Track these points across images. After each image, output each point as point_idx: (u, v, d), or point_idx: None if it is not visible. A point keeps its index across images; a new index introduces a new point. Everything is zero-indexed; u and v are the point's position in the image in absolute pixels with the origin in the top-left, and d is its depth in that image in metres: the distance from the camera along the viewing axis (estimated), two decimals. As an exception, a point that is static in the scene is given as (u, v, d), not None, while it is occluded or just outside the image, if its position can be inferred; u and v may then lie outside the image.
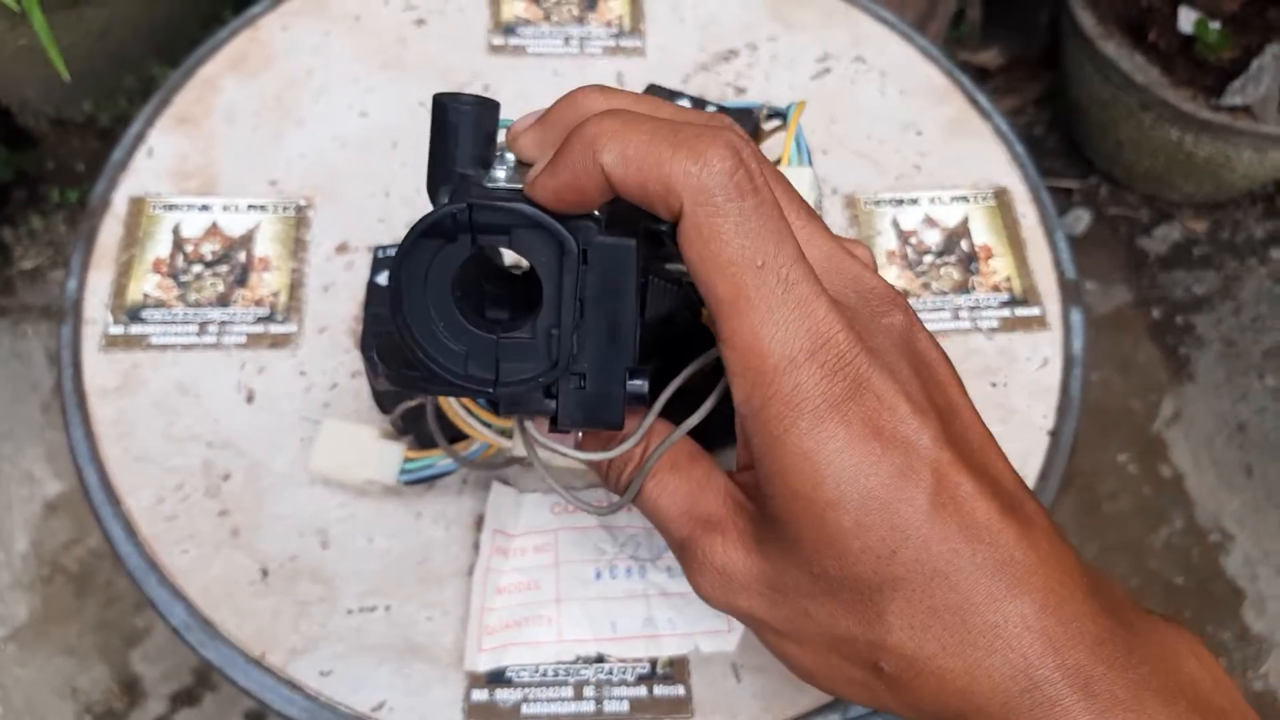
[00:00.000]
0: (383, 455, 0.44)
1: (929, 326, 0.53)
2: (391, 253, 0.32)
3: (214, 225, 0.55)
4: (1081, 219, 1.48)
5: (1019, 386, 0.51)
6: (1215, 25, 1.29)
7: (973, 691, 0.25)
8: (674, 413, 0.30)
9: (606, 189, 0.25)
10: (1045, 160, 1.53)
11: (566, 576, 0.44)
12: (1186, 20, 1.31)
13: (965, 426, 0.28)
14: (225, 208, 0.55)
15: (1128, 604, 0.27)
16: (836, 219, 0.57)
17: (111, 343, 0.51)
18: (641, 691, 0.42)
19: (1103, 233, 1.48)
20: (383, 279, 0.40)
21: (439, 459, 0.44)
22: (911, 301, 0.54)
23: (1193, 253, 1.47)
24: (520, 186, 0.26)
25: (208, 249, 0.54)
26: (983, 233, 0.56)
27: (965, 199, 0.57)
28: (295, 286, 0.53)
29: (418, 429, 0.44)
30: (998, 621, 0.25)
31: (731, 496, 0.29)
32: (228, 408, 0.49)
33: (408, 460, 0.44)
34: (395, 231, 0.55)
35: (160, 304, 0.52)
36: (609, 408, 0.27)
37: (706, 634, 0.43)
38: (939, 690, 0.26)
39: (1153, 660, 0.25)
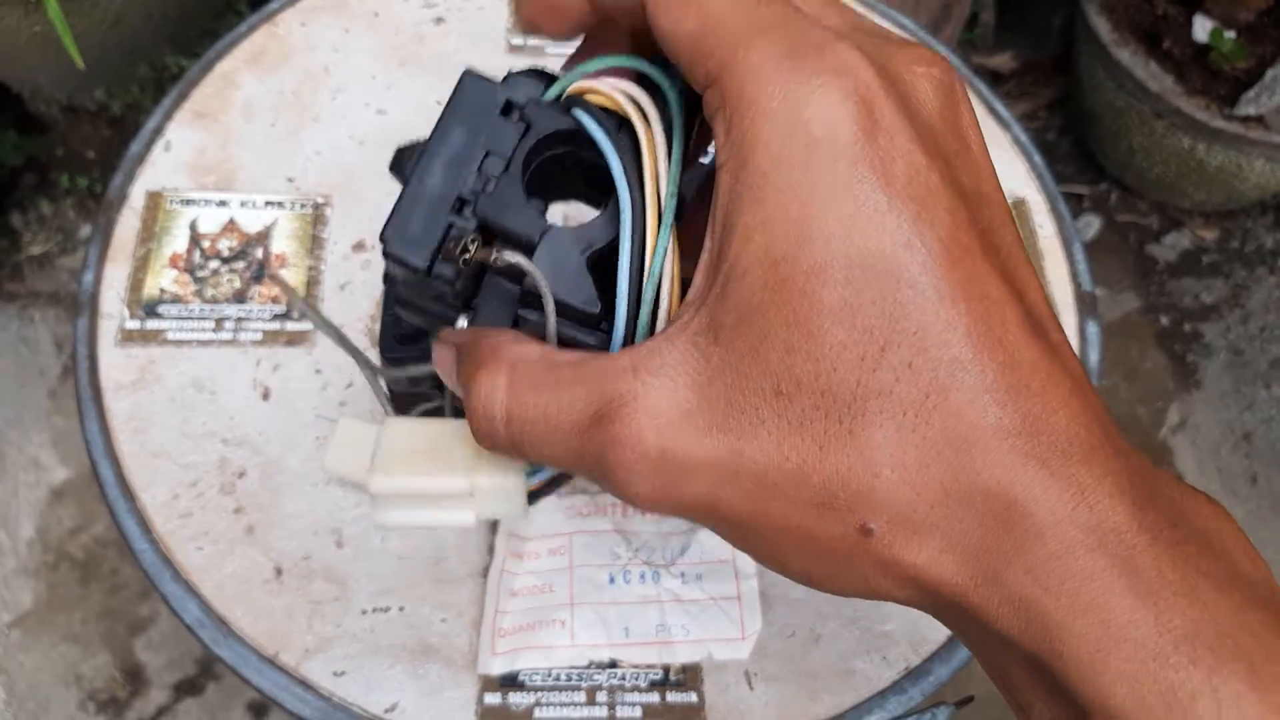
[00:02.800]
0: None
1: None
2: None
3: (231, 221, 0.54)
4: (1091, 225, 1.48)
5: (1034, 398, 0.51)
6: (1230, 34, 1.29)
7: (978, 553, 0.20)
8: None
9: None
10: (1056, 165, 1.53)
11: (580, 580, 0.44)
12: (1202, 29, 1.31)
13: (993, 223, 0.21)
14: (243, 204, 0.55)
15: (1162, 476, 0.21)
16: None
17: (128, 337, 0.51)
18: (654, 698, 0.42)
19: (1112, 239, 1.48)
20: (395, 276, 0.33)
21: None
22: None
23: (1202, 261, 1.46)
24: None
25: (225, 245, 0.54)
26: (1000, 243, 0.56)
27: (983, 208, 0.57)
28: (312, 284, 0.53)
29: None
30: (1008, 477, 0.19)
31: (624, 364, 0.22)
32: (243, 405, 0.49)
33: None
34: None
35: (177, 299, 0.52)
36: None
37: (720, 641, 0.43)
38: (940, 559, 0.20)
39: (1199, 538, 0.20)
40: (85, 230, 1.40)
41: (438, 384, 0.30)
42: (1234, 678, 0.18)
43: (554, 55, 0.62)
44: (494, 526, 0.46)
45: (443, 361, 0.25)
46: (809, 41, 0.20)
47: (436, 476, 0.25)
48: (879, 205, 0.19)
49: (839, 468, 0.20)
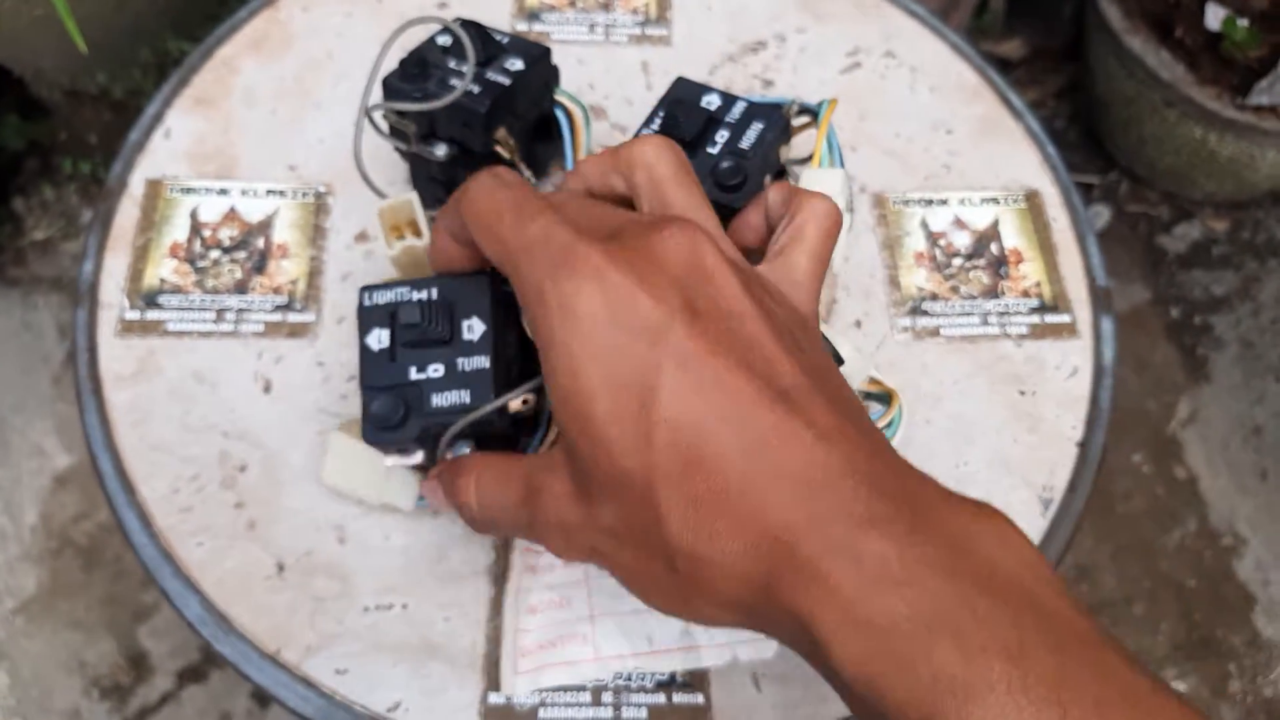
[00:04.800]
0: (397, 480, 0.43)
1: (957, 331, 0.52)
2: (379, 298, 0.39)
3: (232, 210, 0.54)
4: (1101, 215, 1.47)
5: (1047, 395, 0.51)
6: (1243, 23, 1.28)
7: (751, 576, 0.26)
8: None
9: (453, 243, 0.37)
10: (1066, 155, 1.51)
11: (598, 591, 0.43)
12: (1214, 17, 1.29)
13: (734, 327, 0.29)
14: (244, 192, 0.54)
15: (930, 495, 0.27)
16: (864, 218, 0.56)
17: (127, 328, 0.50)
18: (660, 699, 0.42)
19: (1122, 230, 1.47)
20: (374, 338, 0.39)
21: None
22: (939, 305, 0.53)
23: (1212, 252, 1.45)
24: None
25: (226, 234, 0.53)
26: (1013, 236, 0.55)
27: (995, 201, 0.56)
28: (314, 274, 0.52)
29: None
30: (758, 504, 0.26)
31: (540, 463, 0.32)
32: (245, 397, 0.48)
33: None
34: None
35: (177, 289, 0.51)
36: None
37: (744, 642, 0.42)
38: (725, 579, 0.26)
39: (939, 540, 0.25)
40: (88, 215, 1.39)
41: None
42: (925, 627, 0.23)
43: (558, 41, 0.61)
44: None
45: (433, 492, 0.38)
46: (561, 247, 0.29)
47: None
48: (620, 345, 0.27)
49: (646, 527, 0.27)
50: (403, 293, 0.38)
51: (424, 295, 0.37)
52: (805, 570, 0.25)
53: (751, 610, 0.27)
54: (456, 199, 0.34)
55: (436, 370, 0.36)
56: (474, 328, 0.37)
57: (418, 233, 0.45)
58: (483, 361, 0.36)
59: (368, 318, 0.38)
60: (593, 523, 0.29)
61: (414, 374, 0.37)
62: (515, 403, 0.36)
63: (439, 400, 0.36)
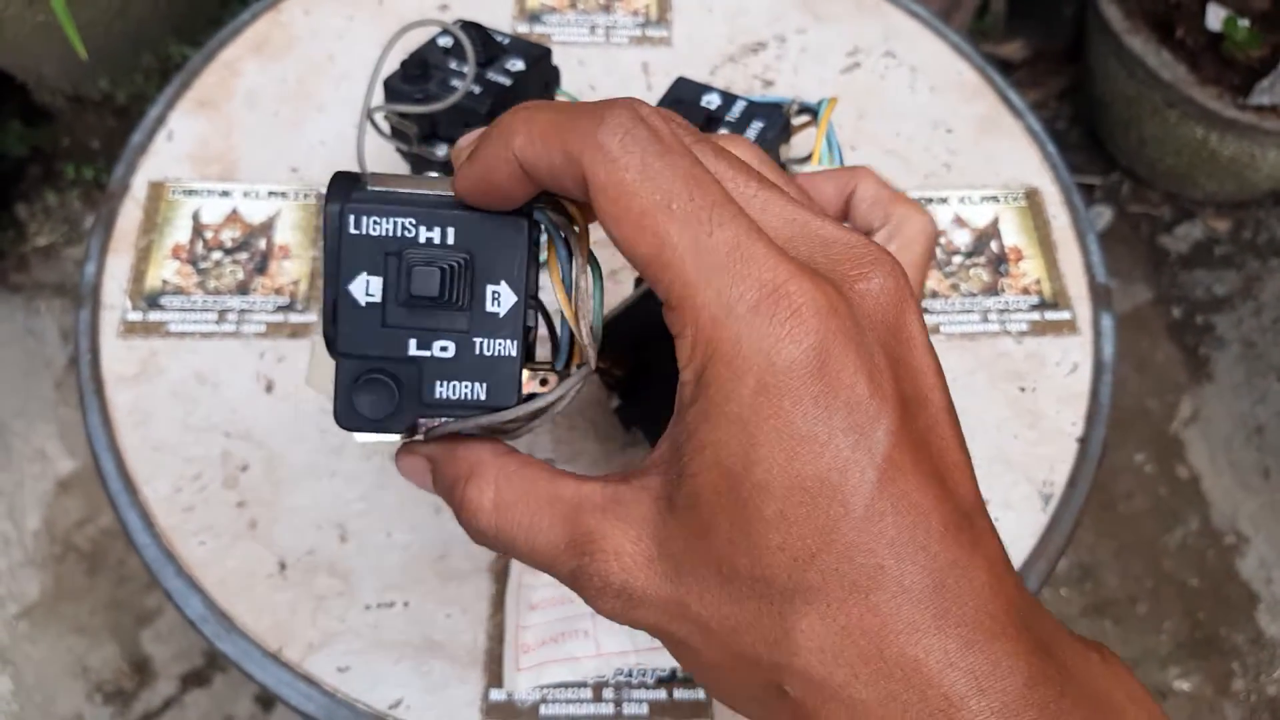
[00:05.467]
0: None
1: (957, 328, 0.52)
2: (373, 226, 0.28)
3: (234, 211, 0.54)
4: (1103, 215, 1.47)
5: (1048, 392, 0.51)
6: (1244, 23, 1.28)
7: None
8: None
9: (521, 176, 0.25)
10: (1067, 155, 1.51)
11: None
12: (1215, 17, 1.29)
13: (932, 423, 0.24)
14: (246, 194, 0.54)
15: (1063, 639, 0.25)
16: (864, 217, 0.56)
17: (130, 329, 0.50)
18: (661, 695, 0.42)
19: (1124, 230, 1.47)
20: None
21: None
22: (940, 302, 0.53)
23: (1214, 252, 1.45)
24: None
25: (228, 236, 0.53)
26: (1013, 234, 0.55)
27: (995, 199, 0.57)
28: (316, 275, 0.52)
29: None
30: (918, 655, 0.22)
31: (598, 499, 0.26)
32: (247, 398, 0.49)
33: None
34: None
35: (179, 291, 0.51)
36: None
37: None
38: (850, 719, 0.23)
39: (1088, 703, 0.23)
40: (90, 221, 1.40)
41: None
42: None
43: (560, 42, 0.62)
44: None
45: (415, 471, 0.29)
46: (761, 285, 0.23)
47: None
48: (819, 437, 0.22)
49: (766, 639, 0.23)
50: (407, 224, 0.27)
51: (436, 235, 0.27)
52: None
53: None
54: (563, 125, 0.24)
55: (445, 349, 0.28)
56: (501, 297, 0.28)
57: None
58: (508, 347, 0.28)
59: (354, 251, 0.27)
60: (678, 607, 0.25)
61: (413, 348, 0.28)
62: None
63: (444, 390, 0.28)
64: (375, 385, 0.28)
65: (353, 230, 0.27)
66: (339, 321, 0.28)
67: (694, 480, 0.24)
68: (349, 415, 0.28)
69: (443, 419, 0.28)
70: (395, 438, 0.29)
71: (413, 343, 0.28)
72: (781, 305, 0.22)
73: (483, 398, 0.28)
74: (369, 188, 0.27)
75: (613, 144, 0.23)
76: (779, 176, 0.27)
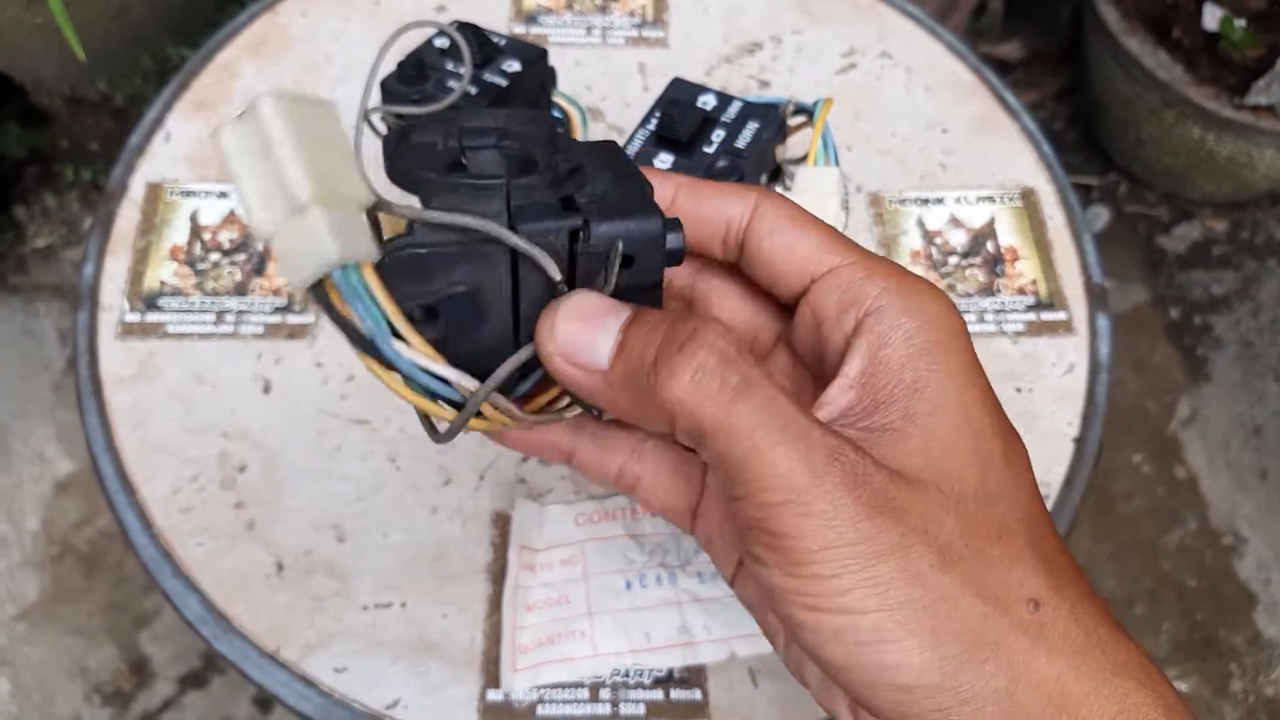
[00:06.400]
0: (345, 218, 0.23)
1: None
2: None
3: (232, 213, 0.54)
4: (1100, 216, 1.47)
5: (1044, 392, 0.51)
6: (1240, 23, 1.28)
7: None
8: None
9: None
10: (1064, 156, 1.51)
11: (596, 588, 0.43)
12: (1211, 17, 1.30)
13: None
14: (243, 195, 0.55)
15: (1146, 673, 0.25)
16: (861, 217, 0.56)
17: (128, 330, 0.50)
18: (658, 695, 0.42)
19: (1121, 231, 1.47)
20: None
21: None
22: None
23: (1212, 252, 1.45)
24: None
25: (225, 237, 0.53)
26: (1009, 234, 0.55)
27: (991, 199, 0.57)
28: (313, 276, 0.52)
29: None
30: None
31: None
32: (244, 398, 0.49)
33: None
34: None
35: (177, 292, 0.51)
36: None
37: (742, 638, 0.42)
38: None
39: None
40: (89, 222, 1.40)
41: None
42: None
43: (556, 43, 0.62)
44: (501, 529, 0.46)
45: (589, 324, 0.24)
46: (908, 276, 0.26)
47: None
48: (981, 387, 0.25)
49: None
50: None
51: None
52: None
53: None
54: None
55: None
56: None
57: None
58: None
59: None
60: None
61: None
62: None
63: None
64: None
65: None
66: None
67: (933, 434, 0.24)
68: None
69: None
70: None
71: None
72: (929, 286, 0.26)
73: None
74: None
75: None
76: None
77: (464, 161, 0.26)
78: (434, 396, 0.23)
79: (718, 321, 0.27)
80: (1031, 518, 0.25)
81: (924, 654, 0.22)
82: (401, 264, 0.23)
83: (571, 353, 0.24)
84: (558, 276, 0.23)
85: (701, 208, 0.28)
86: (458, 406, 0.24)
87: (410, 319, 0.22)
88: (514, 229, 0.23)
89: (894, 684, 0.23)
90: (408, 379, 0.23)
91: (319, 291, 0.21)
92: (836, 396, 0.26)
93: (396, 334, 0.22)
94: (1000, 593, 0.23)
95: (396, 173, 0.24)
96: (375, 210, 0.22)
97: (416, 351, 0.22)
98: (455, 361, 0.23)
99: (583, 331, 0.24)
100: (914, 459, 0.24)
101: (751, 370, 0.23)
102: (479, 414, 0.24)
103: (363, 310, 0.21)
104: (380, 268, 0.22)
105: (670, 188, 0.28)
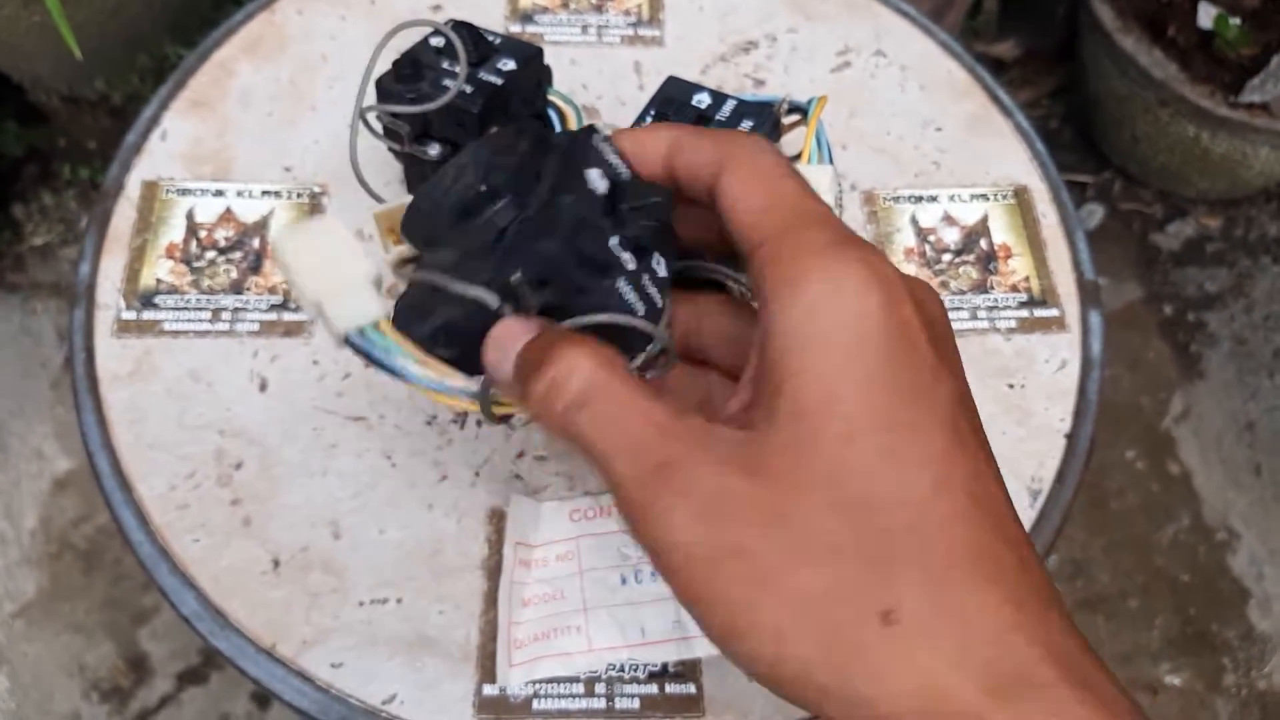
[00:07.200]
0: (355, 292, 0.28)
1: (946, 326, 0.53)
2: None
3: (228, 211, 0.54)
4: (1095, 214, 1.47)
5: (1036, 388, 0.51)
6: (1235, 21, 1.28)
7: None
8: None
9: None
10: (1059, 154, 1.51)
11: (591, 584, 0.43)
12: (1206, 16, 1.30)
13: (971, 411, 0.26)
14: (239, 193, 0.55)
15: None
16: (854, 215, 0.56)
17: (124, 328, 0.50)
18: (653, 689, 0.42)
19: (1116, 228, 1.47)
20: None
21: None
22: (929, 300, 0.53)
23: (1206, 249, 1.46)
24: None
25: (221, 235, 0.53)
26: (1002, 232, 0.56)
27: (985, 197, 0.57)
28: (309, 274, 0.53)
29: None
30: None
31: (703, 409, 0.28)
32: (241, 396, 0.49)
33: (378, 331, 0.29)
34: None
35: (173, 290, 0.52)
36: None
37: None
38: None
39: None
40: (86, 221, 1.40)
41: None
42: None
43: (552, 42, 0.62)
44: (497, 525, 0.46)
45: (509, 336, 0.28)
46: (849, 239, 0.26)
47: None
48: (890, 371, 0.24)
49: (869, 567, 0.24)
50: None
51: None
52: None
53: None
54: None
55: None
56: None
57: None
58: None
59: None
60: (778, 523, 0.24)
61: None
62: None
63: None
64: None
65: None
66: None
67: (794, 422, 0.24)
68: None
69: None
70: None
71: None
72: (863, 252, 0.25)
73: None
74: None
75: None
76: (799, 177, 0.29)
77: (480, 195, 0.30)
78: (466, 395, 0.29)
79: (587, 341, 0.27)
80: (917, 521, 0.23)
81: (767, 648, 0.24)
82: (401, 313, 0.30)
83: (493, 372, 0.28)
84: (494, 305, 0.28)
85: (689, 160, 0.30)
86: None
87: (427, 344, 0.29)
88: (504, 265, 0.29)
89: (754, 673, 0.25)
90: (435, 390, 0.29)
91: (351, 346, 0.28)
92: (739, 392, 0.28)
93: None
94: (855, 600, 0.23)
95: (406, 232, 0.32)
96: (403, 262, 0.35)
97: (429, 370, 0.29)
98: (474, 366, 0.29)
99: (492, 354, 0.28)
100: (774, 461, 0.24)
101: (594, 384, 0.26)
102: (499, 402, 0.29)
103: (380, 354, 0.28)
104: (393, 318, 0.29)
105: (663, 145, 0.30)
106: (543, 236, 0.29)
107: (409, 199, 0.36)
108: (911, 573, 0.23)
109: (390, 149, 0.50)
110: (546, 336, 0.27)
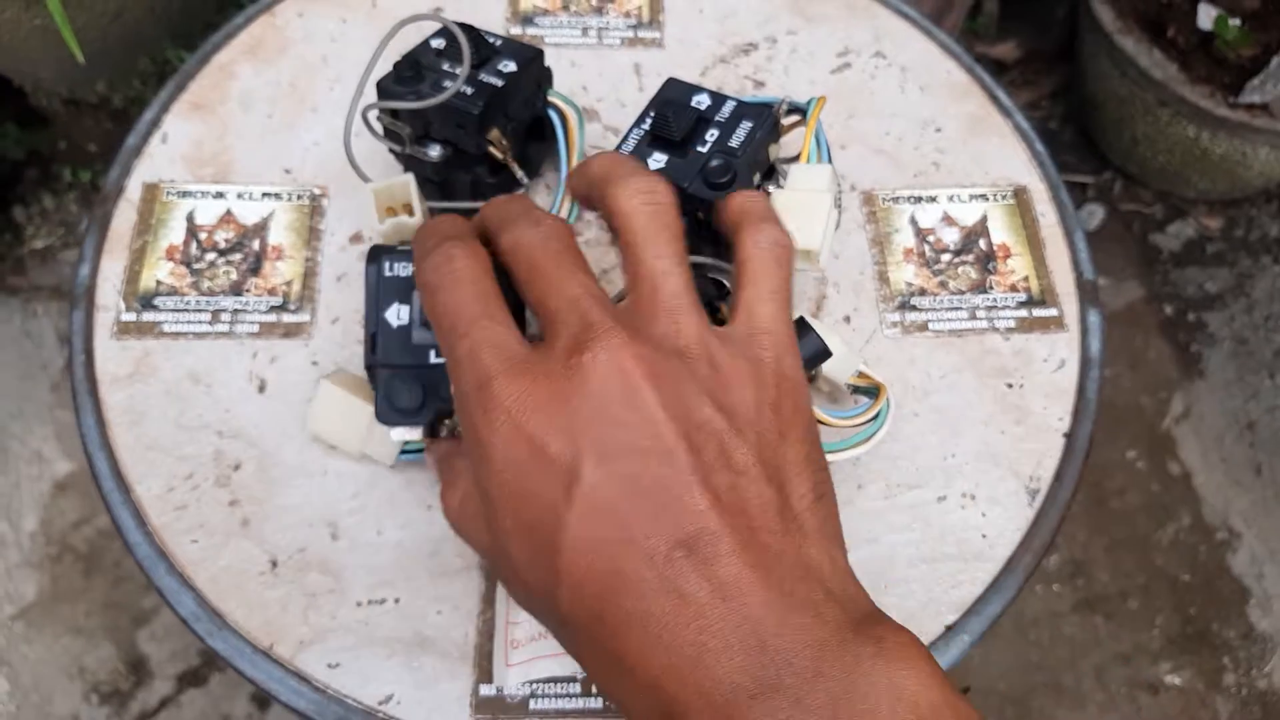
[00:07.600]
0: (379, 434, 0.45)
1: (945, 325, 0.53)
2: (399, 269, 0.40)
3: (228, 213, 0.54)
4: (1095, 214, 1.47)
5: (1035, 388, 0.51)
6: (1235, 22, 1.28)
7: None
8: None
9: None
10: (1059, 155, 1.52)
11: None
12: (1206, 17, 1.30)
13: (637, 430, 0.28)
14: (240, 195, 0.55)
15: (831, 641, 0.26)
16: (854, 215, 0.56)
17: (124, 330, 0.51)
18: (651, 690, 0.42)
19: (1116, 228, 1.47)
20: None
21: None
22: (928, 300, 0.53)
23: (1206, 250, 1.46)
24: None
25: (221, 237, 0.54)
26: (1001, 232, 0.56)
27: (984, 197, 0.57)
28: (309, 276, 0.53)
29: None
30: (653, 674, 0.26)
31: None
32: (239, 397, 0.49)
33: (408, 442, 0.45)
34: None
35: (173, 291, 0.52)
36: None
37: None
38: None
39: (824, 709, 0.24)
40: (87, 223, 1.40)
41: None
42: None
43: (552, 44, 0.62)
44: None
45: (432, 466, 0.40)
46: (476, 386, 0.30)
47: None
48: (529, 490, 0.29)
49: (560, 637, 0.31)
50: None
51: None
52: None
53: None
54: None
55: None
56: None
57: (411, 212, 0.47)
58: None
59: (387, 290, 0.39)
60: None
61: (433, 358, 0.38)
62: None
63: None
64: (402, 381, 0.37)
65: (387, 273, 0.39)
66: (375, 341, 0.38)
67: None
68: (386, 412, 0.37)
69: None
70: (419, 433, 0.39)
71: (432, 353, 0.38)
72: (489, 398, 0.29)
73: None
74: (399, 248, 0.40)
75: (434, 275, 0.32)
76: (666, 237, 0.32)
77: None
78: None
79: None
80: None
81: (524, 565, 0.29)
82: (383, 409, 0.38)
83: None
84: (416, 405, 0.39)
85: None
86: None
87: (434, 421, 0.39)
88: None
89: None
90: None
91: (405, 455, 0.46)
92: None
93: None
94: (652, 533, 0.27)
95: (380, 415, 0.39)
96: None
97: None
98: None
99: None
100: None
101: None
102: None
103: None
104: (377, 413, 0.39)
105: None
106: None
107: (403, 177, 0.47)
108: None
109: (391, 150, 0.50)
110: (442, 458, 0.39)
